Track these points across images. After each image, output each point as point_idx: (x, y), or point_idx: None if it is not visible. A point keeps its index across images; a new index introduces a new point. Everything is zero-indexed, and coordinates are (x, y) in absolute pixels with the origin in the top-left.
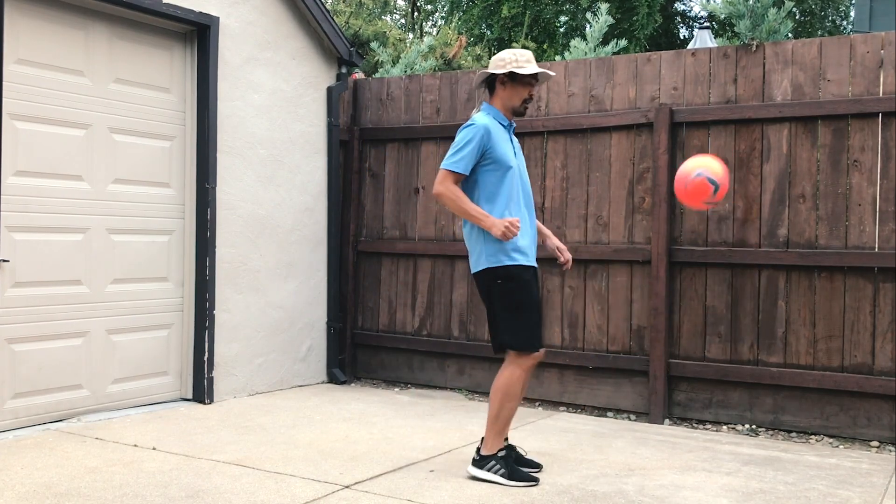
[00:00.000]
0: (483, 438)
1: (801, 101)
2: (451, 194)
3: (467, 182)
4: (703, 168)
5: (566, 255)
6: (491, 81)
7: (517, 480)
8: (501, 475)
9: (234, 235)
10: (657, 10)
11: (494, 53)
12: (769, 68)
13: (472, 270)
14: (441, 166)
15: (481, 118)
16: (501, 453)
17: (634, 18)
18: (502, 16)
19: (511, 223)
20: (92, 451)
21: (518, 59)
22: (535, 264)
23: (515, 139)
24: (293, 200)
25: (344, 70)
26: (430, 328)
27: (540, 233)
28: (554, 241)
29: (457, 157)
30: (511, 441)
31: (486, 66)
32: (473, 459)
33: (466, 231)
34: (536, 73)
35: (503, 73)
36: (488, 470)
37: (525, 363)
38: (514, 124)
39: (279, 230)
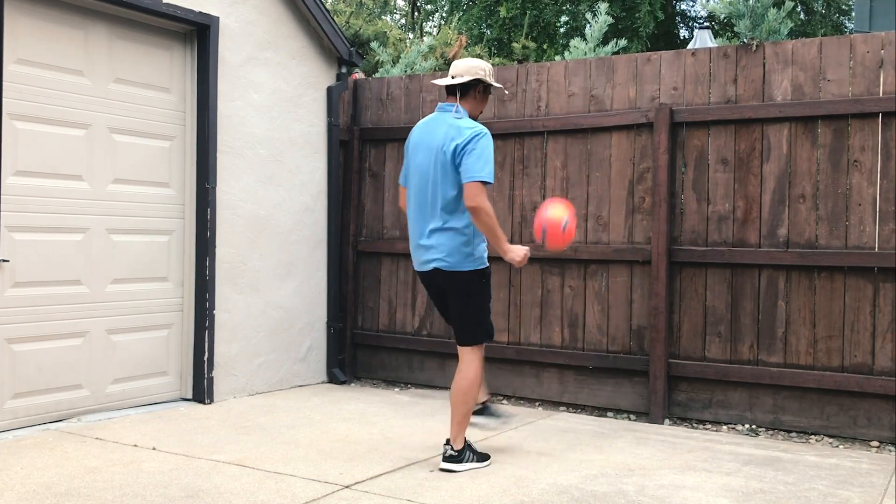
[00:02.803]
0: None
1: (801, 101)
2: (489, 209)
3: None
4: (569, 216)
5: None
6: (465, 87)
7: (485, 461)
8: (478, 461)
9: (234, 235)
10: (658, 7)
11: (494, 53)
12: (769, 68)
13: (455, 269)
14: (475, 178)
15: (476, 123)
16: (469, 443)
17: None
18: (501, 17)
19: (526, 255)
20: (92, 451)
21: (491, 73)
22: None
23: None
24: (293, 200)
25: (344, 70)
26: (430, 328)
27: None
28: None
29: (489, 168)
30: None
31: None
32: (452, 457)
33: (440, 232)
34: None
35: (483, 83)
36: (468, 461)
37: (481, 353)
38: None
39: (279, 230)
